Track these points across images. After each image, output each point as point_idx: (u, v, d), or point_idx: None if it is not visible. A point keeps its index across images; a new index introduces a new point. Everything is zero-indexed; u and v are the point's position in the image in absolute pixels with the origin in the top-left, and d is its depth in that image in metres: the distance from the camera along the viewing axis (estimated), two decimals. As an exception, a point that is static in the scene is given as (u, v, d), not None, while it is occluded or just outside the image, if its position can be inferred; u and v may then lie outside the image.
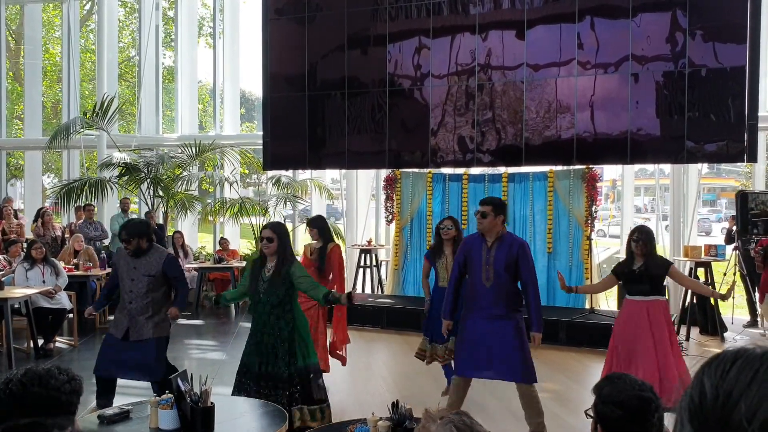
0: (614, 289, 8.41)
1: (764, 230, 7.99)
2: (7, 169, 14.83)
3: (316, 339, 5.40)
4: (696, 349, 7.31)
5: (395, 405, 3.27)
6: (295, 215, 11.85)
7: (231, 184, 10.97)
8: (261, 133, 9.35)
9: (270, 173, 10.96)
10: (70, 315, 7.61)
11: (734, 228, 8.59)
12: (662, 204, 11.49)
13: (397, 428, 3.15)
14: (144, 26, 12.25)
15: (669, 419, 1.43)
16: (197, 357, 7.20)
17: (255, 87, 22.16)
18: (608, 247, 13.90)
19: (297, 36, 8.70)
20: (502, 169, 8.87)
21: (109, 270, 7.77)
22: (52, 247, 8.89)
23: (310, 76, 8.64)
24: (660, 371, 4.58)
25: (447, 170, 9.18)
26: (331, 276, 5.66)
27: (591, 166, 8.11)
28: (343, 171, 10.62)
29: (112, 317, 5.68)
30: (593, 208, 8.20)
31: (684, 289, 8.06)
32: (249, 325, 4.40)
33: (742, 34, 6.82)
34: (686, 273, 7.84)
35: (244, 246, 12.43)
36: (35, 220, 9.65)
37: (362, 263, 9.84)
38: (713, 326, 7.77)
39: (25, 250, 7.68)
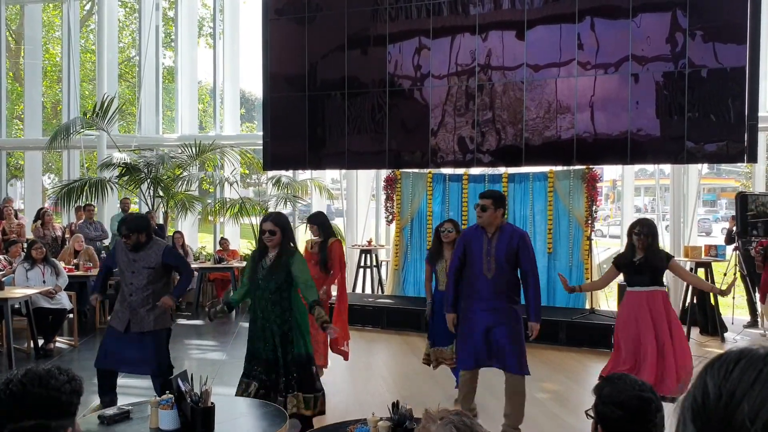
0: (614, 289, 8.42)
1: (764, 232, 7.99)
2: (7, 169, 14.83)
3: (316, 334, 5.46)
4: (696, 350, 7.30)
5: (395, 405, 3.27)
6: (295, 215, 11.85)
7: (231, 185, 10.97)
8: (261, 133, 9.35)
9: (270, 173, 10.96)
10: (70, 315, 7.61)
11: (734, 228, 8.59)
12: (662, 204, 11.49)
13: (397, 428, 3.15)
14: (144, 26, 12.25)
15: (667, 409, 1.42)
16: (197, 357, 7.20)
17: (255, 87, 22.19)
18: (608, 247, 13.89)
19: (297, 36, 8.70)
20: (502, 170, 8.87)
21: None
22: (52, 247, 8.89)
23: (310, 76, 8.64)
24: (659, 362, 4.59)
25: (447, 170, 9.18)
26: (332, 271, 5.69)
27: (591, 166, 8.11)
28: (343, 171, 10.62)
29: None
30: (593, 209, 8.21)
31: (684, 289, 8.07)
32: (248, 327, 4.41)
33: (742, 34, 6.82)
34: (686, 273, 7.84)
35: (244, 246, 12.42)
36: (35, 221, 9.65)
37: (362, 263, 9.84)
38: (713, 326, 7.76)
39: (25, 250, 7.68)
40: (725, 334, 7.78)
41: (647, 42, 7.15)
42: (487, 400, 5.34)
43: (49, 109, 18.39)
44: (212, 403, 3.28)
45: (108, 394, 4.84)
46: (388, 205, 9.36)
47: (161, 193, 10.50)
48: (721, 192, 31.39)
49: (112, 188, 10.53)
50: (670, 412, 0.87)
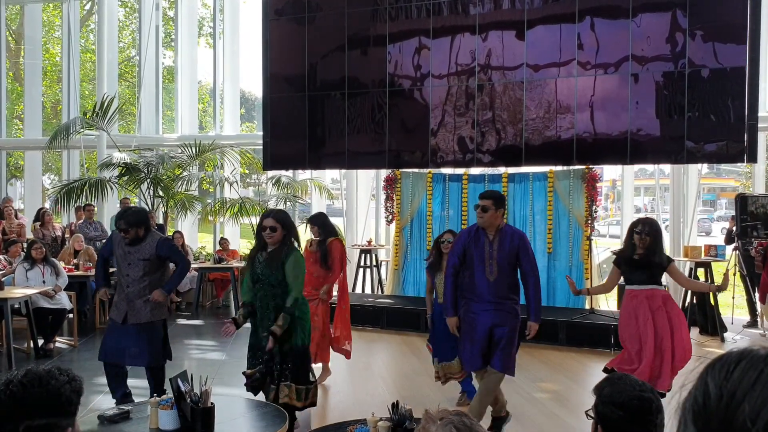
0: (614, 290, 8.41)
1: (764, 233, 7.99)
2: (7, 169, 14.83)
3: (322, 331, 5.49)
4: (696, 350, 7.29)
5: (395, 405, 3.27)
6: (295, 215, 11.85)
7: (231, 184, 10.98)
8: (261, 133, 9.35)
9: (270, 173, 10.96)
10: (70, 315, 7.61)
11: (734, 228, 8.59)
12: (662, 204, 11.49)
13: (397, 429, 3.15)
14: (144, 26, 12.25)
15: (666, 409, 1.42)
16: (197, 357, 7.20)
17: (255, 87, 22.19)
18: (608, 247, 13.88)
19: (297, 36, 8.70)
20: (502, 170, 8.87)
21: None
22: (52, 247, 8.89)
23: (310, 76, 8.64)
24: (655, 358, 4.57)
25: (447, 170, 9.18)
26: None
27: (591, 166, 8.11)
28: (343, 171, 10.62)
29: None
30: (593, 209, 8.20)
31: (683, 290, 8.06)
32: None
33: (742, 34, 6.82)
34: (686, 273, 7.84)
35: (244, 246, 12.42)
36: (35, 220, 9.65)
37: (362, 263, 9.84)
38: (713, 326, 7.77)
39: (25, 250, 7.68)
40: (725, 334, 7.78)
41: (647, 42, 7.15)
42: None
43: (49, 109, 18.39)
44: (212, 403, 3.28)
45: (119, 390, 4.86)
46: (387, 205, 9.36)
47: (161, 193, 10.50)
48: (721, 192, 31.40)
49: (112, 188, 10.53)
50: (670, 412, 0.87)
